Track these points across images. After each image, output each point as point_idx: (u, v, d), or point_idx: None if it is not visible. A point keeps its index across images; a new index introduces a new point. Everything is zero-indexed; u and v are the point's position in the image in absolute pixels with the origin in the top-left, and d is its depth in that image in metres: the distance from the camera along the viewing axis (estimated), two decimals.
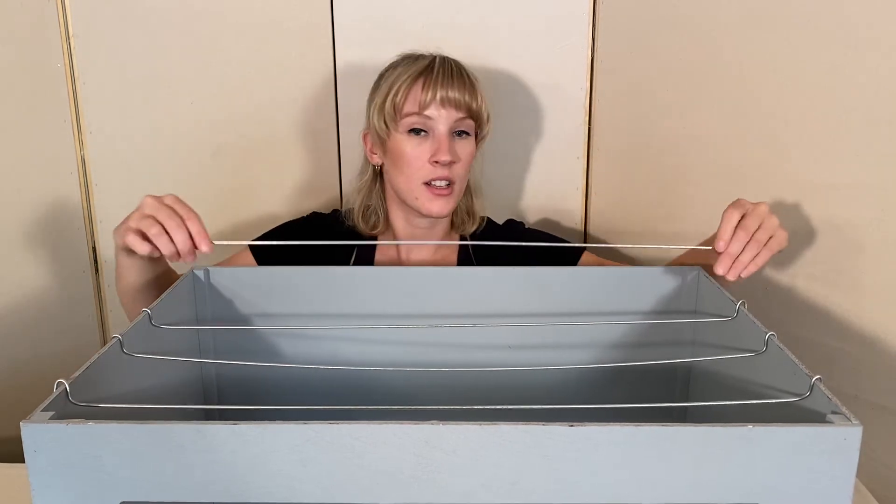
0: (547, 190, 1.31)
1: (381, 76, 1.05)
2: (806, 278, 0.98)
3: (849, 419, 0.50)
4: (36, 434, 0.49)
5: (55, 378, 0.55)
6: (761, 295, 1.02)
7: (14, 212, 1.25)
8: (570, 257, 1.08)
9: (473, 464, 0.50)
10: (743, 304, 0.73)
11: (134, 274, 0.86)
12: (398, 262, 1.09)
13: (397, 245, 1.08)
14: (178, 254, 0.76)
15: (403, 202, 1.04)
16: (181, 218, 0.77)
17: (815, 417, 0.54)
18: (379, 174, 1.08)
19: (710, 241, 0.81)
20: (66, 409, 0.53)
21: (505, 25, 1.24)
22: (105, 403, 0.56)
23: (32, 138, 1.24)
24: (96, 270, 1.32)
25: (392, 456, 0.50)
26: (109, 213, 1.30)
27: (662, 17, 1.14)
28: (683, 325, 0.83)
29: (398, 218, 1.07)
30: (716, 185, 1.10)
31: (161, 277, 0.88)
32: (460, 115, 0.99)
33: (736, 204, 0.81)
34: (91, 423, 0.50)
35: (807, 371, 0.57)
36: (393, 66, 1.04)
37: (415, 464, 0.50)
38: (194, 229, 0.77)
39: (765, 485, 0.50)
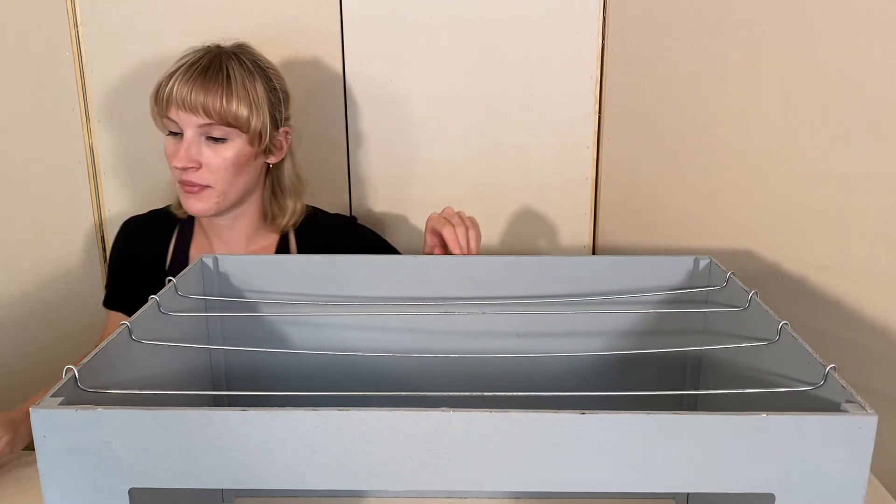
0: (556, 180, 1.31)
1: None
2: (817, 269, 0.97)
3: (864, 408, 0.49)
4: (45, 420, 0.49)
5: (64, 365, 0.54)
6: (772, 285, 1.02)
7: (23, 200, 1.25)
8: None
9: (483, 451, 0.49)
10: (756, 293, 0.72)
11: None
12: (210, 252, 1.07)
13: (207, 233, 1.08)
14: None
15: None
16: None
17: (829, 406, 0.53)
18: None
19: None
20: (75, 395, 0.53)
21: (514, 14, 1.23)
22: (114, 390, 0.56)
23: (41, 127, 1.24)
24: (105, 259, 1.32)
25: (402, 443, 0.49)
26: (118, 202, 1.30)
27: (673, 6, 1.13)
28: (694, 315, 0.82)
29: None
30: (729, 174, 1.09)
31: None
32: (203, 120, 0.93)
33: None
34: (100, 409, 0.49)
35: (820, 360, 0.56)
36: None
37: (425, 451, 0.49)
38: None
39: (778, 474, 0.49)
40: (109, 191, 1.30)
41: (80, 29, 1.23)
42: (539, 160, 1.30)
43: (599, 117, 1.27)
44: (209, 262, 0.82)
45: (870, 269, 0.92)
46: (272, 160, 1.03)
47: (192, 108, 0.93)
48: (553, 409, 0.49)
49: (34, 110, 1.23)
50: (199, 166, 0.95)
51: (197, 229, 1.09)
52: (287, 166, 1.06)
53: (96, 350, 0.58)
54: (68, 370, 0.54)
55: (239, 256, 0.84)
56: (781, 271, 1.01)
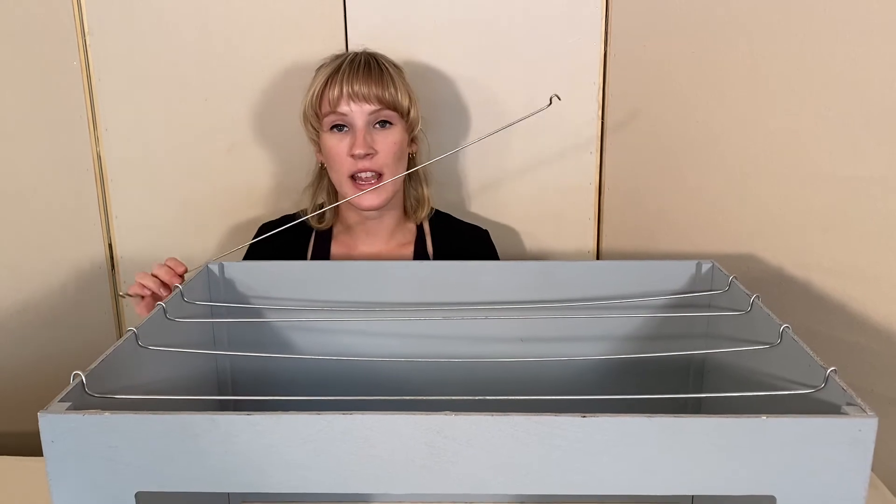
0: (560, 185, 1.31)
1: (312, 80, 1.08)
2: (821, 272, 0.97)
3: (864, 410, 0.49)
4: (53, 424, 0.50)
5: (72, 372, 0.55)
6: (776, 289, 1.02)
7: (31, 209, 1.27)
8: None
9: (485, 454, 0.50)
10: (757, 297, 0.72)
11: None
12: (353, 252, 1.12)
13: (351, 234, 1.13)
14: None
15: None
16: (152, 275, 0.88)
17: (830, 409, 0.53)
18: (325, 171, 1.11)
19: None
20: (82, 401, 0.54)
21: (518, 19, 1.24)
22: (121, 395, 0.56)
23: (48, 136, 1.26)
24: (112, 267, 1.33)
25: (404, 446, 0.50)
26: (125, 210, 1.31)
27: (675, 11, 1.13)
28: (697, 319, 0.82)
29: (348, 210, 1.11)
30: (732, 178, 1.09)
31: None
32: (373, 107, 1.01)
33: None
34: (107, 414, 0.50)
35: (821, 363, 0.56)
36: (317, 70, 1.08)
37: (427, 454, 0.50)
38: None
39: (779, 476, 0.50)
40: (117, 199, 1.31)
41: (87, 38, 1.24)
42: (543, 165, 1.30)
43: (602, 122, 1.28)
44: (215, 268, 0.83)
45: (874, 273, 0.92)
46: (413, 149, 1.11)
47: (364, 98, 1.01)
48: (555, 412, 0.49)
49: (42, 119, 1.25)
50: (376, 152, 1.02)
51: (338, 228, 1.13)
52: (419, 155, 1.13)
53: (103, 356, 0.59)
54: (75, 375, 0.55)
55: (244, 263, 0.85)
56: (785, 275, 1.01)
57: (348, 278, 0.83)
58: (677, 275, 0.84)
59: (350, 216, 1.11)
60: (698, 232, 1.16)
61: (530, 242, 1.34)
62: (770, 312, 0.68)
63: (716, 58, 1.08)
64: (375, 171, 1.02)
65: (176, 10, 1.24)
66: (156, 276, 0.87)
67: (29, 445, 0.96)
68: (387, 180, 1.03)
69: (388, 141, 1.03)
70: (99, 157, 1.29)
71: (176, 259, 0.89)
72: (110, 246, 1.32)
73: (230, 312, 0.83)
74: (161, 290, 0.87)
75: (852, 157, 0.93)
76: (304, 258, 1.11)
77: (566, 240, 1.34)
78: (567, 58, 1.25)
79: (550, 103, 0.87)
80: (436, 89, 1.27)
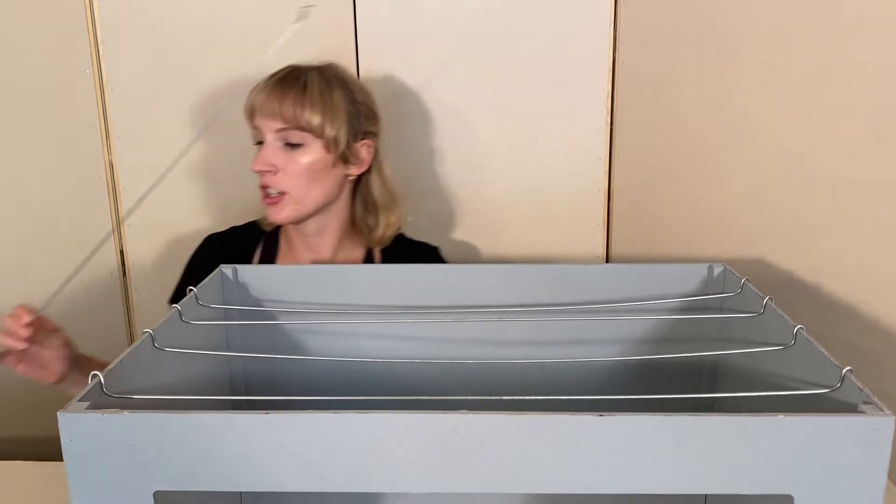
0: (569, 191, 1.31)
1: None
2: (831, 276, 0.97)
3: (881, 409, 0.49)
4: (73, 423, 0.50)
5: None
6: (786, 293, 1.01)
7: (44, 216, 1.28)
8: None
9: (502, 453, 0.50)
10: (770, 299, 0.72)
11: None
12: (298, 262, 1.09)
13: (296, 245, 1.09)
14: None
15: None
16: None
17: (846, 409, 0.53)
18: None
19: None
20: (100, 401, 0.54)
21: (526, 26, 1.25)
22: (138, 395, 0.57)
23: (61, 143, 1.27)
24: (124, 273, 1.34)
25: (420, 445, 0.50)
26: (137, 217, 1.32)
27: (683, 18, 1.14)
28: (709, 321, 0.82)
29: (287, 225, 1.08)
30: (741, 183, 1.09)
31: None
32: (279, 124, 0.97)
33: None
34: (126, 413, 0.50)
35: (836, 363, 0.56)
36: None
37: (443, 453, 0.50)
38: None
39: (796, 475, 0.50)
40: (128, 205, 1.31)
41: (100, 48, 1.25)
42: (552, 172, 1.31)
43: (611, 129, 1.28)
44: (229, 272, 0.83)
45: (885, 276, 0.92)
46: (353, 171, 1.04)
47: (269, 114, 0.97)
48: (570, 412, 0.49)
49: (55, 127, 1.26)
50: (276, 171, 0.98)
51: (283, 242, 1.10)
52: (375, 180, 1.07)
53: (121, 357, 0.59)
54: (94, 376, 0.55)
55: (257, 266, 0.85)
56: (794, 279, 1.01)
57: (361, 282, 0.84)
58: (689, 278, 0.84)
59: (290, 230, 1.07)
60: (707, 237, 1.16)
61: (540, 248, 1.34)
62: (783, 314, 0.68)
63: (724, 64, 1.09)
64: (276, 188, 0.99)
65: (187, 20, 1.25)
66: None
67: (44, 450, 0.97)
68: (293, 201, 0.99)
69: (295, 162, 0.98)
70: (111, 165, 1.30)
71: (22, 307, 0.88)
72: (122, 252, 1.33)
73: (243, 315, 0.83)
74: (16, 343, 0.86)
75: (860, 161, 0.93)
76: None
77: (575, 245, 1.34)
78: (576, 65, 1.26)
79: (302, 17, 0.83)
80: (444, 97, 1.27)
